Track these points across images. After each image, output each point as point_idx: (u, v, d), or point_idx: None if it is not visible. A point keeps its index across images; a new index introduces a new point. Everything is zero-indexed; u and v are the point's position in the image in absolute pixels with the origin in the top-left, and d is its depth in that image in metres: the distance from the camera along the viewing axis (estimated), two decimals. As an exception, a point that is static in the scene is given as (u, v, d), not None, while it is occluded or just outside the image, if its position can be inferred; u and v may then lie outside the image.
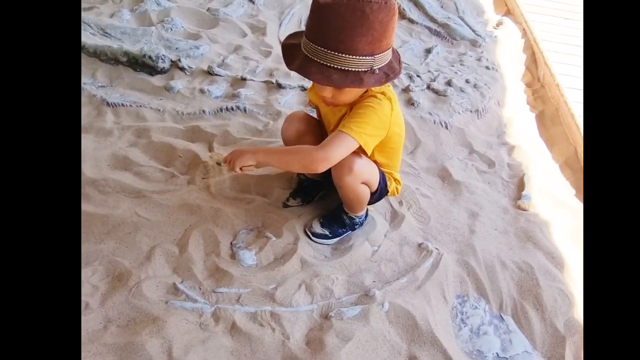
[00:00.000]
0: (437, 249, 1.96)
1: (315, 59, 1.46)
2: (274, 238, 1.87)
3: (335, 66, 1.44)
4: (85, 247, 1.76)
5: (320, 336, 1.58)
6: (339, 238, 1.94)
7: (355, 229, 1.96)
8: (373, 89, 1.64)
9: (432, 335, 1.64)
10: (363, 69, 1.46)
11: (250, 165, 1.65)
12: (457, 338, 1.72)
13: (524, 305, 1.85)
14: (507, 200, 2.34)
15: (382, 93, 1.66)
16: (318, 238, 1.92)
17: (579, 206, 2.39)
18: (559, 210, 2.34)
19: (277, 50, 3.04)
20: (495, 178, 2.47)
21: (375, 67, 1.48)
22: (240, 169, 1.65)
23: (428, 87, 2.92)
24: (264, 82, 2.72)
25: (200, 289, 1.68)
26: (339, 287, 1.76)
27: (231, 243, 1.85)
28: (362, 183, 1.77)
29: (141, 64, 2.66)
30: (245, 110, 2.52)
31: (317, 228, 1.93)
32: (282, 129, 1.93)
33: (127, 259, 1.73)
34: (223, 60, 2.80)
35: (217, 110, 2.50)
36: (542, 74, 3.35)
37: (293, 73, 2.63)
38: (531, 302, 1.86)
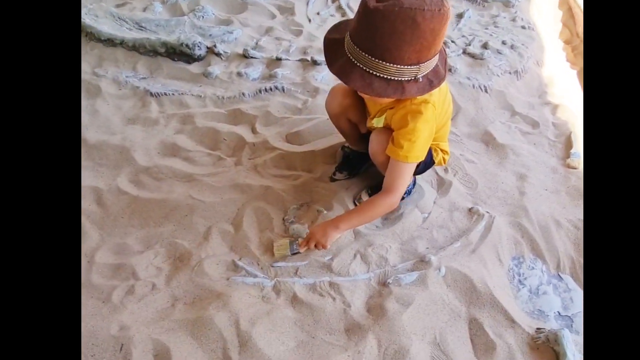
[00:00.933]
0: (488, 212, 1.97)
1: (358, 64, 1.40)
2: (325, 211, 1.92)
3: (379, 74, 1.39)
4: (146, 232, 1.85)
5: (380, 302, 1.63)
6: None
7: (403, 198, 1.98)
8: None
9: (491, 296, 1.67)
10: (407, 78, 1.41)
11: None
12: (516, 299, 1.75)
13: (582, 263, 1.86)
14: (556, 160, 2.34)
15: (425, 101, 1.60)
16: None
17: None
18: (611, 165, 2.32)
19: (308, 28, 3.08)
20: (541, 138, 2.46)
21: (419, 76, 1.42)
22: None
23: (464, 51, 2.91)
24: (299, 60, 2.76)
25: (258, 264, 1.74)
26: (393, 255, 1.80)
27: (283, 219, 1.91)
28: None
29: (179, 53, 2.73)
30: (283, 90, 2.57)
31: (366, 198, 1.97)
32: (326, 102, 1.95)
33: (187, 240, 1.81)
34: (257, 43, 2.85)
35: (256, 92, 2.55)
36: (581, 29, 3.29)
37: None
38: (590, 259, 1.87)
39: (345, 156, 2.12)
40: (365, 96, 1.78)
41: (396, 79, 1.40)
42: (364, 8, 1.35)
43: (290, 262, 1.74)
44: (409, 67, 1.38)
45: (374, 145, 1.76)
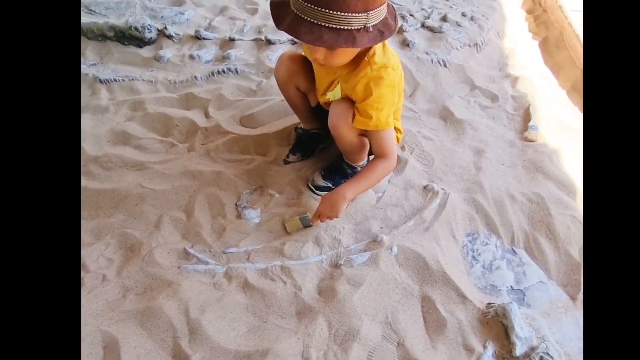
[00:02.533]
0: (443, 189, 2.03)
1: (306, 18, 1.40)
2: (277, 195, 1.97)
3: (327, 25, 1.39)
4: (96, 223, 1.87)
5: (331, 285, 1.69)
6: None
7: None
8: (374, 56, 1.64)
9: (443, 274, 1.73)
10: (356, 27, 1.42)
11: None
12: (469, 275, 1.81)
13: (536, 236, 1.93)
14: (514, 134, 2.40)
15: (384, 66, 1.64)
16: (321, 191, 2.01)
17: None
18: (569, 136, 2.40)
19: (264, 6, 3.09)
20: (500, 112, 2.52)
21: (369, 25, 1.43)
22: None
23: (422, 25, 2.95)
24: (253, 40, 2.78)
25: (210, 251, 1.79)
26: (346, 236, 1.86)
27: (236, 204, 1.95)
28: (359, 135, 1.84)
29: (129, 37, 2.73)
30: (237, 72, 2.60)
31: (320, 181, 2.02)
32: (274, 70, 2.00)
33: (137, 230, 1.85)
34: (209, 23, 2.86)
35: (209, 75, 2.57)
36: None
37: (282, 28, 2.70)
38: (544, 232, 1.94)
39: (298, 137, 2.16)
40: (317, 67, 1.82)
41: (346, 28, 1.40)
42: None
43: (242, 248, 1.79)
44: (356, 14, 1.39)
45: (334, 116, 1.79)
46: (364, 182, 1.82)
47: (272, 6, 1.53)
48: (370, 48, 1.64)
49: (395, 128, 1.96)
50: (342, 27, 1.40)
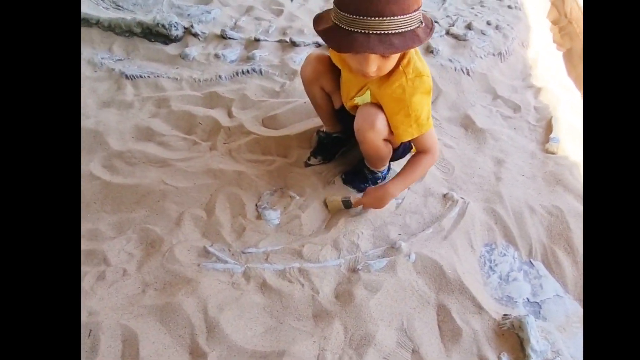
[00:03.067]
0: (462, 198, 2.03)
1: (373, 32, 1.39)
2: (297, 197, 1.98)
3: (394, 31, 1.40)
4: (118, 217, 1.90)
5: (348, 289, 1.69)
6: (361, 193, 2.02)
7: (377, 183, 2.05)
8: (409, 65, 1.65)
9: (460, 283, 1.73)
10: (416, 26, 1.44)
11: None
12: (486, 285, 1.81)
13: (554, 249, 1.93)
14: (535, 145, 2.39)
15: (419, 75, 1.66)
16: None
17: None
18: (590, 150, 2.38)
19: (289, 7, 3.11)
20: (522, 122, 2.51)
21: (421, 19, 1.45)
22: None
23: (447, 32, 2.95)
24: (278, 41, 2.80)
25: (229, 250, 1.80)
26: (364, 241, 1.86)
27: (256, 205, 1.97)
28: (385, 140, 1.84)
29: (155, 34, 2.76)
30: (261, 72, 2.61)
31: (340, 184, 2.03)
32: (301, 70, 2.00)
33: (158, 226, 1.86)
34: (235, 23, 2.88)
35: (233, 75, 2.59)
36: (569, 9, 3.32)
37: (306, 30, 2.72)
38: (562, 246, 1.94)
39: (320, 141, 2.17)
40: (347, 74, 1.81)
41: (408, 29, 1.42)
42: None
43: (261, 249, 1.80)
44: (413, 13, 1.41)
45: (360, 120, 1.79)
46: (410, 178, 1.87)
47: (326, 35, 1.50)
48: (404, 56, 1.64)
49: None
50: (405, 30, 1.42)
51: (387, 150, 1.91)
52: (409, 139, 1.76)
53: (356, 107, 1.87)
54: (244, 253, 1.79)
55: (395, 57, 1.58)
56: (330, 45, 1.54)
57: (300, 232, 1.88)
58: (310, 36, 2.81)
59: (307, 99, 2.39)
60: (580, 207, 2.05)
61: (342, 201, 1.93)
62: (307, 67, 1.97)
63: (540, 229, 1.99)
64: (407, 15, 1.40)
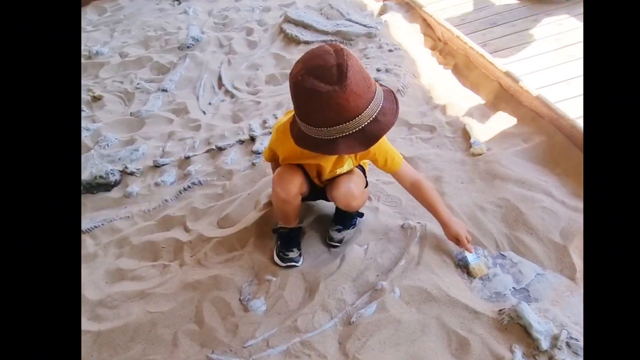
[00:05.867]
0: (419, 222, 2.02)
1: (351, 132, 1.43)
2: (274, 279, 1.92)
3: (368, 121, 1.43)
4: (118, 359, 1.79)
5: (352, 342, 1.63)
6: (353, 227, 2.07)
7: (353, 226, 2.07)
8: None
9: (448, 297, 1.71)
10: (381, 103, 1.46)
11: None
12: (472, 291, 1.78)
13: (517, 235, 1.93)
14: (461, 153, 2.43)
15: None
16: (340, 242, 2.04)
17: (524, 129, 2.49)
18: (507, 139, 2.45)
19: (205, 120, 3.12)
20: (442, 139, 2.56)
21: (375, 111, 1.45)
22: None
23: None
24: (206, 152, 2.79)
25: (231, 350, 1.71)
26: (348, 294, 1.81)
27: (240, 299, 1.89)
28: (361, 195, 1.91)
29: (96, 186, 2.70)
30: (200, 183, 2.58)
31: (338, 235, 2.04)
32: (277, 193, 1.87)
33: (158, 354, 1.76)
34: (163, 150, 2.86)
35: (177, 194, 2.55)
36: (441, 33, 3.48)
37: (227, 133, 2.75)
38: (522, 229, 1.95)
39: (285, 236, 2.02)
40: (314, 160, 1.80)
41: (378, 110, 1.44)
42: (312, 94, 1.38)
43: (259, 337, 1.72)
44: (374, 99, 1.43)
45: (341, 196, 1.84)
46: (440, 201, 1.91)
47: (308, 147, 1.54)
48: None
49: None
50: (376, 113, 1.44)
51: (366, 197, 2.02)
52: (399, 166, 1.83)
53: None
54: (244, 347, 1.70)
55: None
56: (316, 152, 1.53)
57: (288, 308, 1.81)
58: (232, 138, 2.83)
59: (249, 191, 2.38)
60: (522, 191, 2.07)
61: (476, 264, 1.85)
62: (289, 186, 1.85)
63: (496, 222, 2.00)
64: (373, 102, 1.42)
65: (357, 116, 1.40)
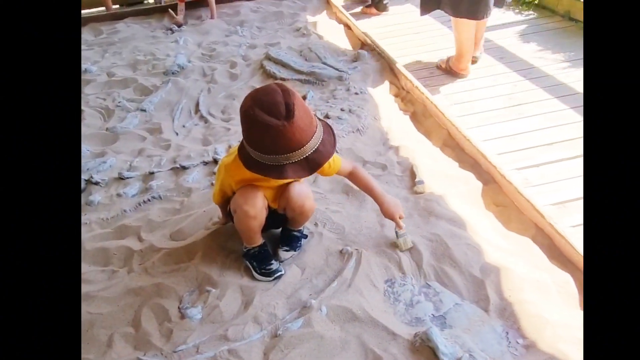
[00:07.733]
0: (356, 249, 2.08)
1: (297, 159, 1.60)
2: (213, 290, 1.95)
3: (312, 150, 1.61)
4: (48, 358, 1.79)
5: (275, 352, 1.67)
6: (299, 248, 2.14)
7: (299, 246, 2.14)
8: None
9: (370, 318, 1.76)
10: (321, 135, 1.65)
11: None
12: (395, 315, 1.83)
13: (443, 267, 2.00)
14: (406, 191, 2.52)
15: None
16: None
17: (465, 174, 2.61)
18: (449, 182, 2.54)
19: (176, 141, 3.16)
20: (391, 177, 2.64)
21: (317, 142, 1.63)
22: None
23: (311, 124, 3.10)
24: (171, 169, 2.83)
25: (162, 354, 1.72)
26: (281, 309, 1.85)
27: (178, 307, 1.91)
28: (311, 195, 2.05)
29: (59, 193, 2.72)
30: (160, 197, 2.61)
31: (286, 254, 2.10)
32: (245, 212, 1.88)
33: (91, 353, 1.76)
34: (130, 165, 2.89)
35: (137, 206, 2.57)
36: (404, 83, 3.63)
37: (193, 154, 2.81)
38: (447, 263, 2.01)
39: (257, 255, 2.04)
40: (267, 182, 1.89)
41: (319, 142, 1.63)
42: (269, 128, 1.54)
43: (190, 343, 1.75)
44: (316, 129, 1.64)
45: (296, 197, 1.96)
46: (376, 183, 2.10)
47: (260, 171, 1.68)
48: None
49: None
50: (318, 144, 1.63)
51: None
52: (340, 166, 1.98)
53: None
54: (175, 352, 1.72)
55: None
56: (265, 176, 1.69)
57: (222, 318, 1.84)
58: (198, 158, 2.88)
59: (205, 208, 2.43)
60: (453, 229, 2.15)
61: (403, 238, 2.09)
62: (257, 204, 1.88)
63: (427, 254, 2.06)
64: (315, 135, 1.61)
65: (302, 147, 1.58)
